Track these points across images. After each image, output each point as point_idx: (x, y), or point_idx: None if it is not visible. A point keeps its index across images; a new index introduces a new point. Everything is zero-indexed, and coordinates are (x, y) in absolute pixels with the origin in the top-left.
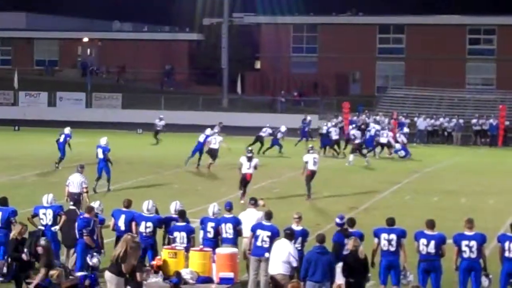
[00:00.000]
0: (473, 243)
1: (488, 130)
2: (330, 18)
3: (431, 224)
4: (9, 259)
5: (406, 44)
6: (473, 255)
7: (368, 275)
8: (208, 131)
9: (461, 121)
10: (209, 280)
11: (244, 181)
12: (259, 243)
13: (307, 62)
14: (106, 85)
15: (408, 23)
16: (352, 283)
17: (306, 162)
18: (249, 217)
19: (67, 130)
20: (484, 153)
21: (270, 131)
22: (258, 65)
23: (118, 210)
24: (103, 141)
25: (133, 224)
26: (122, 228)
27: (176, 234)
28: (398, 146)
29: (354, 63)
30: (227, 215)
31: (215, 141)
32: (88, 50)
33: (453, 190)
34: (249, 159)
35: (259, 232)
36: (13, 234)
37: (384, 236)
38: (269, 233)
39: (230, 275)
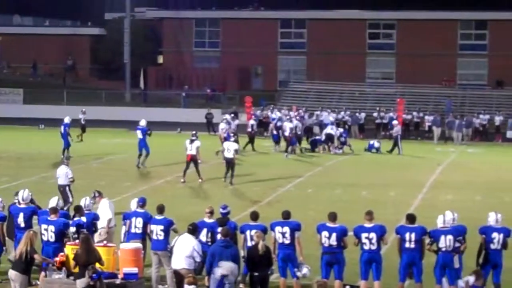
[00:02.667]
0: (373, 235)
1: (388, 123)
2: (232, 13)
3: (332, 217)
4: None
5: (308, 39)
6: (373, 247)
7: (271, 268)
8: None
9: (363, 114)
10: (113, 275)
11: (187, 162)
12: (154, 237)
13: (210, 57)
14: (7, 80)
15: (309, 18)
16: (256, 277)
17: (223, 150)
18: (103, 209)
19: (66, 119)
20: (384, 146)
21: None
22: (160, 59)
23: (15, 206)
24: (142, 122)
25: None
26: (22, 225)
27: (71, 229)
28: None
29: (256, 58)
30: (139, 210)
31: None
32: None
33: (355, 183)
34: (191, 141)
35: (153, 227)
36: None
37: (278, 229)
38: (162, 227)
39: (134, 270)
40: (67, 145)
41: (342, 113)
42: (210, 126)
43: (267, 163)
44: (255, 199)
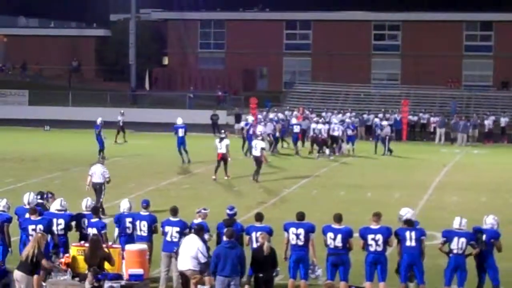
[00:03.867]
0: (379, 236)
1: (393, 125)
2: (237, 14)
3: (338, 218)
4: None
5: (313, 40)
6: (379, 249)
7: (276, 269)
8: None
9: (371, 116)
10: (118, 277)
11: (218, 160)
12: (168, 239)
13: (215, 58)
14: (12, 81)
15: (315, 19)
16: (261, 278)
17: (251, 147)
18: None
19: (97, 120)
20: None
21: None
22: (165, 61)
23: (22, 208)
24: (179, 121)
25: None
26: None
27: (89, 230)
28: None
29: (261, 59)
30: (143, 213)
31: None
32: None
33: (360, 184)
34: (221, 140)
35: (167, 228)
36: None
37: (292, 230)
38: (177, 229)
39: (140, 271)
40: (102, 147)
41: (348, 114)
42: (215, 127)
43: (272, 164)
44: (260, 200)
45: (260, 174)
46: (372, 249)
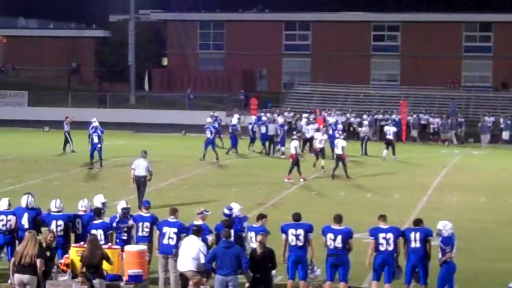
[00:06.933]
0: (390, 235)
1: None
2: (236, 15)
3: (338, 219)
4: None
5: (312, 41)
6: (390, 248)
7: (275, 270)
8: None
9: (368, 116)
10: (117, 278)
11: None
12: (165, 241)
13: (214, 59)
14: (11, 82)
15: (314, 20)
16: (259, 278)
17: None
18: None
19: (95, 121)
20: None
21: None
22: (165, 62)
23: (20, 208)
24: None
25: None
26: (26, 226)
27: (93, 231)
28: None
29: (260, 60)
30: (144, 214)
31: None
32: None
33: (359, 185)
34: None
35: (165, 229)
36: None
37: (291, 231)
38: (175, 230)
39: (139, 272)
40: (93, 148)
41: (348, 115)
42: None
43: (271, 165)
44: (259, 201)
45: (348, 170)
46: (382, 248)
